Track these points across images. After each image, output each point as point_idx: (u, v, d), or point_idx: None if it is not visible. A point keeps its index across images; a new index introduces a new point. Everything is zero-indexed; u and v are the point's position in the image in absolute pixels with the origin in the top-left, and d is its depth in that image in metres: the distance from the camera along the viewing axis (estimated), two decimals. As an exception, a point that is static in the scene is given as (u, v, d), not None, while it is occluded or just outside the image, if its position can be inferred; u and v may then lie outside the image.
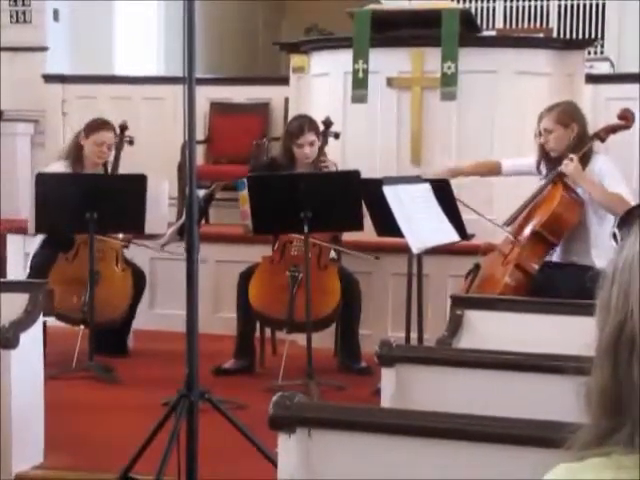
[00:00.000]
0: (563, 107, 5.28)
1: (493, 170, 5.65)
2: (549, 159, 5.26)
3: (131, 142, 6.23)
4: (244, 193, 5.26)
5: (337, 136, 5.80)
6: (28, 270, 5.96)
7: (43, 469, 4.04)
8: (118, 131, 6.18)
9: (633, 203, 4.93)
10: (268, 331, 5.84)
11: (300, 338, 5.58)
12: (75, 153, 6.02)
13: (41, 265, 5.83)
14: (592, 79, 6.99)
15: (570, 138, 5.17)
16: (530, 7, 11.62)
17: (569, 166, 5.05)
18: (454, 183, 5.32)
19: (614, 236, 4.66)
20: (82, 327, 5.61)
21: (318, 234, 5.40)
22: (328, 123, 5.73)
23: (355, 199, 5.18)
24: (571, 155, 5.08)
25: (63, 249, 5.86)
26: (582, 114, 5.34)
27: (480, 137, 6.39)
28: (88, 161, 6.01)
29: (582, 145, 5.17)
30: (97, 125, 6.06)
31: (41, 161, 7.55)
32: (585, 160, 5.14)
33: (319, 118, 5.78)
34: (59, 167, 6.00)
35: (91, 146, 5.97)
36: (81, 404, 4.99)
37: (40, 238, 6.04)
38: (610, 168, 5.13)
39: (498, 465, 2.09)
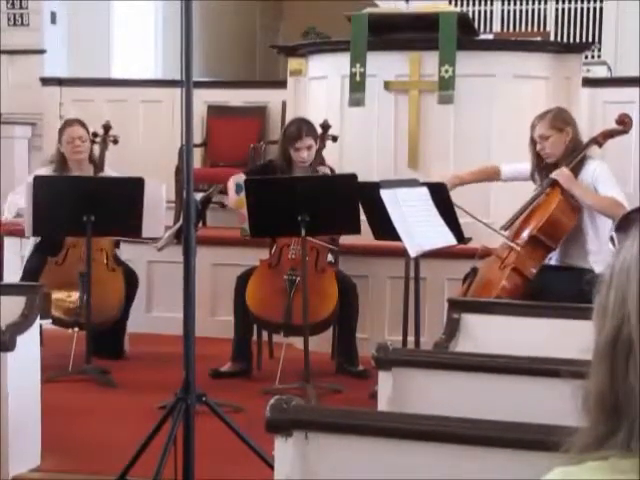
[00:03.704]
0: (555, 112, 5.28)
1: (493, 176, 5.61)
2: (543, 167, 5.25)
3: (115, 141, 6.22)
4: (241, 196, 5.26)
5: (335, 139, 5.80)
6: (21, 274, 5.96)
7: (40, 472, 4.04)
8: (102, 131, 6.19)
9: (626, 205, 4.93)
10: (265, 334, 5.84)
11: (297, 341, 5.58)
12: (58, 159, 6.11)
13: (32, 270, 5.83)
14: (589, 83, 6.99)
15: (565, 142, 5.17)
16: (528, 11, 11.63)
17: (561, 175, 5.06)
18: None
19: (612, 239, 4.67)
20: (76, 330, 5.61)
21: (316, 237, 5.40)
22: (326, 126, 5.73)
23: (352, 202, 5.18)
24: (563, 167, 5.10)
25: (53, 253, 5.86)
26: (574, 118, 5.34)
27: (477, 141, 6.40)
28: (71, 163, 6.08)
29: (578, 149, 5.18)
30: (63, 126, 6.22)
31: (39, 164, 7.54)
32: (580, 165, 5.15)
33: (317, 121, 5.78)
34: (45, 172, 6.02)
35: (65, 147, 6.08)
36: (78, 407, 4.98)
37: (32, 243, 6.05)
38: (603, 172, 5.13)
39: (495, 469, 2.09)
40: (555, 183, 5.11)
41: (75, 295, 5.66)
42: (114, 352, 5.94)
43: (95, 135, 6.19)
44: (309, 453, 2.24)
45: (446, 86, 6.23)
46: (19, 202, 5.88)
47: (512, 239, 5.16)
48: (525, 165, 5.42)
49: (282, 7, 13.21)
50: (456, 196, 5.32)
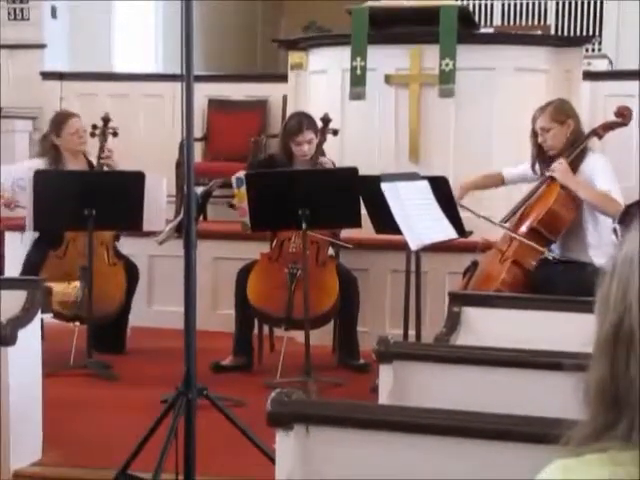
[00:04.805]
0: (556, 104, 5.27)
1: (497, 181, 5.56)
2: (544, 158, 5.25)
3: (115, 134, 6.18)
4: (242, 190, 5.26)
5: (335, 133, 5.80)
6: (21, 268, 5.95)
7: (41, 466, 4.04)
8: (101, 124, 6.16)
9: (621, 200, 4.92)
10: (266, 328, 5.84)
11: (298, 335, 5.59)
12: (52, 153, 6.04)
13: (33, 264, 5.83)
14: (590, 76, 6.98)
15: (567, 134, 5.17)
16: (528, 4, 11.63)
17: (556, 170, 5.05)
18: (452, 181, 5.33)
19: (615, 231, 4.67)
20: (77, 324, 5.61)
21: (317, 231, 5.40)
22: (327, 120, 5.72)
23: (353, 196, 5.18)
24: (561, 160, 5.08)
25: (53, 247, 5.86)
26: (575, 110, 5.33)
27: (478, 134, 6.39)
28: (69, 156, 6.03)
29: (579, 141, 5.17)
30: (62, 118, 6.14)
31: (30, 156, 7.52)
32: (580, 158, 5.14)
33: (317, 115, 5.77)
34: (38, 164, 5.97)
35: (68, 138, 6.02)
36: (79, 401, 4.99)
37: (31, 237, 6.04)
38: (602, 166, 5.11)
39: (496, 461, 2.09)
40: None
41: (75, 289, 5.66)
42: (116, 346, 5.94)
43: (95, 127, 6.16)
44: (310, 446, 2.25)
45: (447, 80, 6.22)
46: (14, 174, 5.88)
47: (512, 232, 5.16)
48: (524, 166, 5.41)
49: (283, 1, 13.20)
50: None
